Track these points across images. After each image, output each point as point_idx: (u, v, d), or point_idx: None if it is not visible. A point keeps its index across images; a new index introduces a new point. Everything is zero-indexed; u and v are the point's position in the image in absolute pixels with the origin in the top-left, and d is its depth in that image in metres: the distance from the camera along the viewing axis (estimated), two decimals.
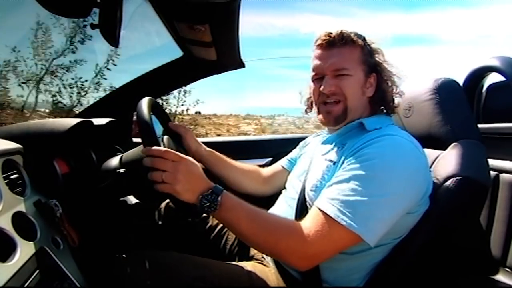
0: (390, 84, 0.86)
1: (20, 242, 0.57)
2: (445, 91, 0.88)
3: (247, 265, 0.85)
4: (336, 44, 0.83)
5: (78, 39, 4.40)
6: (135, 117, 0.99)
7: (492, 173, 1.08)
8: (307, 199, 0.81)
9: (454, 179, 0.74)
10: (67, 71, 4.50)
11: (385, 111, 0.87)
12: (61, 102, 4.60)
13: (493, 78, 1.34)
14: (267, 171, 1.16)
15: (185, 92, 5.16)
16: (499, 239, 1.06)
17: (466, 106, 0.89)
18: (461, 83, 0.95)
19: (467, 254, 1.05)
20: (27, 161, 0.75)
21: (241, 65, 1.28)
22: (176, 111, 5.33)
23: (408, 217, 0.73)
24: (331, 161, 0.80)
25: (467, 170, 0.75)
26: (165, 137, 0.87)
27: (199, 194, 0.68)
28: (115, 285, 0.73)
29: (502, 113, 1.22)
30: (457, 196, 0.74)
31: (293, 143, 1.18)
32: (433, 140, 0.88)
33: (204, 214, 1.02)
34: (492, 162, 1.07)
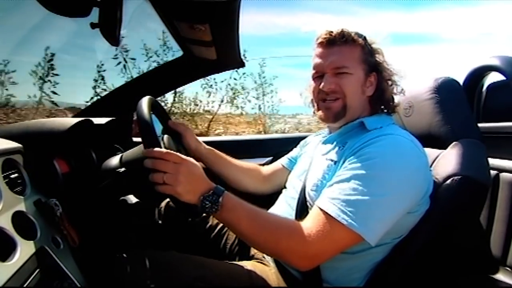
0: (390, 83, 0.86)
1: (20, 242, 0.57)
2: (445, 91, 0.88)
3: (248, 265, 0.85)
4: (337, 42, 0.83)
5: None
6: (135, 117, 0.99)
7: (492, 172, 1.08)
8: (308, 198, 0.81)
9: (454, 178, 0.74)
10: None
11: (385, 110, 0.87)
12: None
13: (493, 77, 1.34)
14: (267, 169, 1.16)
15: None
16: (499, 239, 1.06)
17: (466, 106, 0.89)
18: (462, 82, 0.95)
19: (467, 254, 1.04)
20: (27, 160, 0.75)
21: (241, 64, 1.28)
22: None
23: (408, 217, 0.73)
24: (331, 160, 0.80)
25: (467, 169, 0.75)
26: (165, 136, 0.87)
27: (200, 195, 0.68)
28: (115, 285, 0.73)
29: (502, 112, 1.22)
30: (457, 195, 0.74)
31: (293, 142, 1.18)
32: (433, 139, 0.88)
33: (204, 214, 1.02)
34: (492, 161, 1.07)
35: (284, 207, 0.92)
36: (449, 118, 0.86)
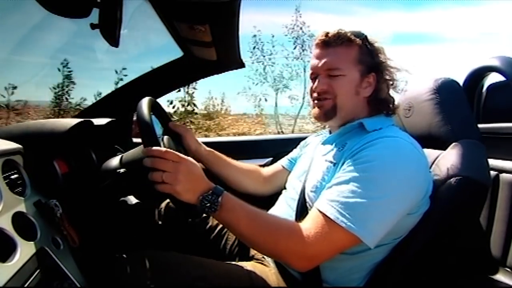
0: (391, 84, 0.86)
1: (20, 242, 0.57)
2: (445, 91, 0.88)
3: (247, 265, 0.85)
4: (331, 43, 0.84)
5: None
6: (135, 117, 0.99)
7: (492, 173, 1.08)
8: (307, 199, 0.81)
9: (454, 179, 0.74)
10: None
11: (385, 112, 0.86)
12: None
13: (493, 78, 1.34)
14: (267, 170, 1.16)
15: None
16: (499, 239, 1.06)
17: (466, 106, 0.89)
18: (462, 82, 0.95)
19: (467, 254, 1.05)
20: (27, 161, 0.75)
21: (241, 65, 1.28)
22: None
23: (408, 218, 0.73)
24: (331, 162, 0.80)
25: (467, 170, 0.75)
26: (165, 137, 0.87)
27: (200, 194, 0.68)
28: (115, 285, 0.73)
29: (502, 113, 1.22)
30: (457, 196, 0.74)
31: (293, 143, 1.18)
32: (433, 140, 0.88)
33: (204, 215, 1.02)
34: (492, 162, 1.07)
35: (284, 208, 0.92)
36: (449, 119, 0.86)
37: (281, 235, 0.68)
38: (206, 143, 1.10)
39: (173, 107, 4.42)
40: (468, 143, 0.82)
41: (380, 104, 0.86)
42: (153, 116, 0.80)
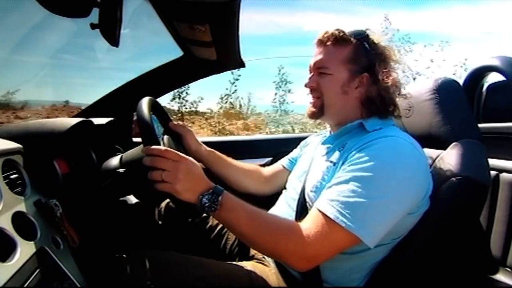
0: (389, 85, 0.83)
1: (20, 242, 0.57)
2: (445, 91, 0.88)
3: (248, 265, 0.85)
4: (325, 42, 0.85)
5: None
6: (135, 117, 0.99)
7: (492, 172, 1.08)
8: (307, 199, 0.81)
9: (454, 179, 0.74)
10: None
11: (381, 113, 0.84)
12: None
13: (493, 77, 1.34)
14: (267, 170, 1.16)
15: None
16: (499, 239, 1.06)
17: (466, 106, 0.89)
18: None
19: (467, 254, 1.05)
20: (27, 161, 0.75)
21: (241, 64, 1.28)
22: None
23: (408, 218, 0.73)
24: (331, 162, 0.80)
25: (467, 170, 0.75)
26: (165, 136, 0.87)
27: (200, 193, 0.68)
28: (115, 285, 0.73)
29: (502, 112, 1.22)
30: (457, 196, 0.74)
31: (293, 143, 1.18)
32: (433, 140, 0.88)
33: (204, 214, 1.02)
34: (492, 161, 1.07)
35: (284, 208, 0.92)
36: (449, 119, 0.86)
37: (281, 235, 0.68)
38: (206, 143, 1.10)
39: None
40: (468, 143, 0.82)
41: (374, 105, 0.84)
42: (153, 116, 0.80)
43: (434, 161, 0.84)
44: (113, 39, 0.83)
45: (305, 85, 0.90)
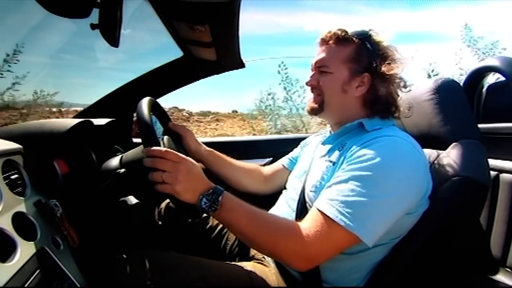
0: (390, 85, 0.83)
1: (20, 242, 0.57)
2: (445, 91, 0.88)
3: (247, 265, 0.85)
4: (327, 41, 0.86)
5: None
6: (135, 117, 0.99)
7: (492, 173, 1.07)
8: (307, 199, 0.81)
9: (454, 179, 0.74)
10: None
11: (382, 113, 0.84)
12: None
13: (493, 78, 1.34)
14: (267, 169, 1.16)
15: None
16: (499, 239, 1.06)
17: (466, 106, 0.89)
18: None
19: (467, 254, 1.05)
20: (27, 161, 0.75)
21: (241, 65, 1.28)
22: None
23: (407, 217, 0.73)
24: (330, 161, 0.80)
25: (467, 170, 0.75)
26: (165, 137, 0.87)
27: (200, 194, 0.68)
28: (115, 286, 0.73)
29: (502, 113, 1.22)
30: (457, 196, 0.74)
31: (293, 143, 1.18)
32: (433, 140, 0.88)
33: (204, 214, 1.02)
34: (492, 162, 1.07)
35: (284, 208, 0.92)
36: (449, 119, 0.86)
37: (280, 235, 0.68)
38: (206, 143, 1.10)
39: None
40: (468, 143, 0.82)
41: (376, 105, 0.84)
42: (153, 116, 0.80)
43: (433, 161, 0.84)
44: (113, 39, 0.83)
45: (306, 83, 0.90)
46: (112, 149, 1.06)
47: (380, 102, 0.83)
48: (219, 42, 1.04)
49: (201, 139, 1.12)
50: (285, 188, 1.00)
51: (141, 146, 0.78)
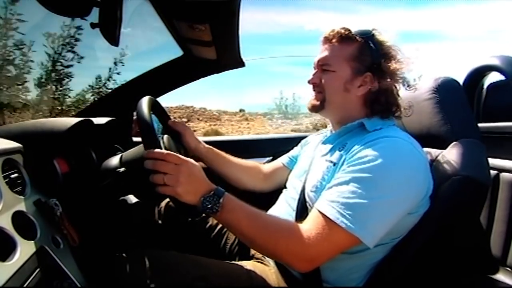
0: (392, 85, 0.83)
1: (20, 242, 0.57)
2: (445, 90, 0.88)
3: (247, 265, 0.85)
4: (330, 40, 0.86)
5: None
6: (135, 116, 0.99)
7: (493, 172, 1.07)
8: (307, 199, 0.81)
9: (454, 178, 0.74)
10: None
11: (384, 113, 0.84)
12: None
13: (493, 77, 1.34)
14: (267, 167, 1.16)
15: None
16: (499, 239, 1.06)
17: (466, 105, 0.88)
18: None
19: (467, 254, 1.04)
20: (27, 160, 0.75)
21: (241, 64, 1.28)
22: None
23: (408, 218, 0.73)
24: (331, 161, 0.80)
25: (467, 169, 0.75)
26: (165, 136, 0.87)
27: (201, 196, 0.68)
28: (115, 285, 0.73)
29: (502, 112, 1.22)
30: (457, 195, 0.74)
31: (293, 142, 1.18)
32: (433, 139, 0.88)
33: (204, 215, 1.02)
34: (492, 161, 1.07)
35: (284, 208, 0.92)
36: (449, 118, 0.85)
37: (281, 236, 0.68)
38: (206, 142, 1.10)
39: None
40: (468, 143, 0.81)
41: (377, 105, 0.84)
42: (152, 115, 0.80)
43: (434, 160, 0.84)
44: (113, 38, 0.83)
45: (308, 81, 0.90)
46: (112, 148, 1.06)
47: (381, 102, 0.83)
48: (219, 41, 1.04)
49: (201, 138, 1.12)
50: (285, 187, 1.00)
51: (141, 145, 0.78)
